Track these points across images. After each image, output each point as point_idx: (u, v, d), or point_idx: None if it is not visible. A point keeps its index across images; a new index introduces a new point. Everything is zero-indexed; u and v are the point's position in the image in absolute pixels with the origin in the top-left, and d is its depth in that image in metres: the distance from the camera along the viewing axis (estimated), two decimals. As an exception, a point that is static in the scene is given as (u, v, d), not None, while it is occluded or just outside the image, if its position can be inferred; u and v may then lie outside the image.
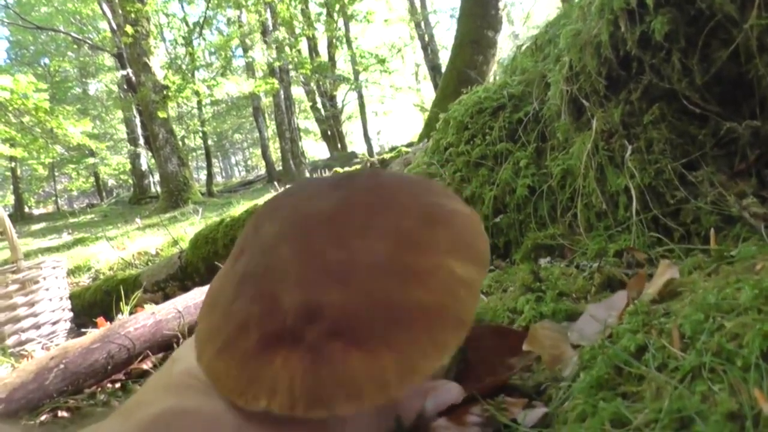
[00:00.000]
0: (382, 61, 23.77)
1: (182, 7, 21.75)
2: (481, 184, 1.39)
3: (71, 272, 7.78)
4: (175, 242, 7.64)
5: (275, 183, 21.65)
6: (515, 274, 1.16)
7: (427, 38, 26.03)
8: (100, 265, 7.64)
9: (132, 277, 4.51)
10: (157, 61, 16.94)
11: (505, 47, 10.41)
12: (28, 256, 10.84)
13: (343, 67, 27.39)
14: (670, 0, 1.10)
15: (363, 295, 0.53)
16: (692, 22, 1.10)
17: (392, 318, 0.52)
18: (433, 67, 25.36)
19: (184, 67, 16.24)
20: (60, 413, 1.91)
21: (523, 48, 1.76)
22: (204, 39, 17.19)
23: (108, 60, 27.86)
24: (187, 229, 9.34)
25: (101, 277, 7.00)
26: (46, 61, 31.12)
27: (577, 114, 1.27)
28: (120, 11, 16.42)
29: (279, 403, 0.48)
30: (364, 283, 0.54)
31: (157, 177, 23.36)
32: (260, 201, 14.20)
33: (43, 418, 1.72)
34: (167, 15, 18.14)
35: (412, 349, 0.50)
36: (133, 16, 15.18)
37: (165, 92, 15.98)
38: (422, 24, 26.07)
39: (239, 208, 12.87)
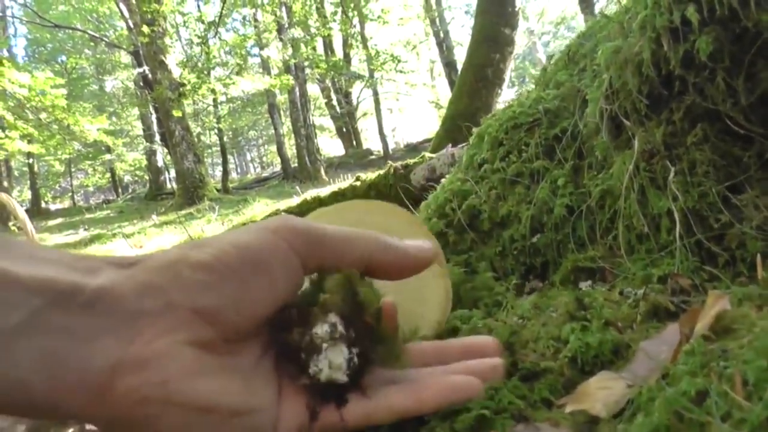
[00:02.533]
0: (397, 61, 23.74)
1: (198, 6, 21.83)
2: (517, 202, 1.38)
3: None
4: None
5: (290, 180, 21.70)
6: (555, 297, 1.15)
7: (442, 35, 26.02)
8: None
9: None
10: (173, 59, 17.00)
11: (520, 43, 10.39)
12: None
13: (358, 63, 27.40)
14: (715, 18, 1.08)
15: None
16: (737, 41, 1.08)
17: None
18: (448, 64, 25.33)
19: (200, 65, 16.27)
20: (88, 426, 1.90)
21: (555, 59, 1.74)
22: (220, 38, 17.22)
23: (124, 57, 28.00)
24: (204, 227, 9.36)
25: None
26: (63, 58, 31.31)
27: (617, 133, 1.25)
28: (137, 10, 16.49)
29: None
30: None
31: (172, 173, 23.48)
32: (276, 199, 14.23)
33: (70, 430, 1.71)
34: (183, 14, 18.15)
35: None
36: (149, 15, 15.22)
37: (181, 90, 16.03)
38: (437, 21, 26.06)
39: (255, 206, 12.91)
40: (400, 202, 3.44)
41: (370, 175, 3.74)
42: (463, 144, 3.36)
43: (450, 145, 3.63)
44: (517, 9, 10.10)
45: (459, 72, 25.39)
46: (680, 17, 1.09)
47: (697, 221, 1.08)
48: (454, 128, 9.64)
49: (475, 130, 1.64)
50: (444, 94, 29.18)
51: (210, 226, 9.52)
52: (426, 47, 31.18)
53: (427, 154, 3.52)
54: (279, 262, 0.57)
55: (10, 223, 7.79)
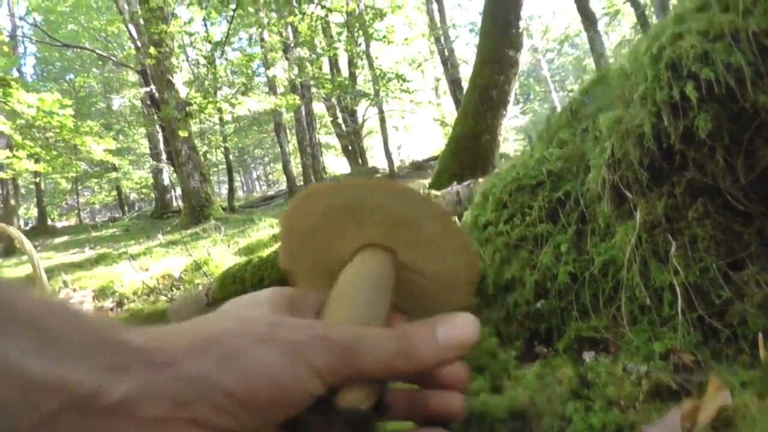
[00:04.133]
0: (402, 80, 23.79)
1: (205, 26, 21.89)
2: (521, 267, 1.39)
3: (95, 296, 7.81)
4: (198, 266, 7.67)
5: (296, 198, 21.70)
6: (559, 367, 1.16)
7: (446, 53, 26.04)
8: (124, 288, 7.66)
9: (159, 312, 4.53)
10: (180, 78, 17.08)
11: (524, 61, 10.43)
12: (51, 271, 10.92)
13: (364, 82, 27.45)
14: (714, 96, 1.10)
15: None
16: (736, 120, 1.10)
17: None
18: (453, 82, 25.35)
19: (206, 84, 16.35)
20: None
21: (558, 113, 1.76)
22: (226, 58, 17.29)
23: (132, 75, 28.13)
24: (210, 249, 9.38)
25: (125, 301, 7.04)
26: (72, 76, 31.48)
27: (619, 202, 1.27)
28: (145, 31, 16.60)
29: None
30: None
31: (178, 191, 23.51)
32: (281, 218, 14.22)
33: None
34: (190, 35, 18.26)
35: None
36: (157, 36, 15.31)
37: (188, 110, 16.09)
38: (442, 39, 26.09)
39: (261, 226, 12.93)
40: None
41: None
42: (469, 181, 3.40)
43: (455, 183, 3.64)
44: (521, 30, 10.12)
45: (464, 92, 25.50)
46: (679, 93, 1.11)
47: (699, 296, 1.09)
48: (459, 149, 9.66)
49: (479, 189, 1.66)
50: (449, 111, 29.20)
51: (216, 248, 9.53)
52: (431, 65, 31.21)
53: (433, 192, 3.53)
54: (302, 393, 0.54)
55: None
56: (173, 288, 7.05)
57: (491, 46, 9.97)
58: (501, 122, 9.81)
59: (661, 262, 1.17)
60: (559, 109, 1.81)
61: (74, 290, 8.52)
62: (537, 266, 1.36)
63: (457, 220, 2.65)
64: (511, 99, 10.12)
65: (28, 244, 3.20)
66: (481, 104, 9.73)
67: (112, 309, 6.99)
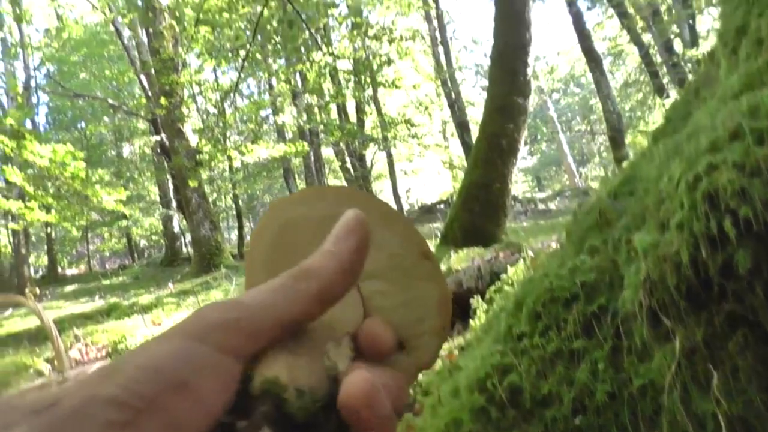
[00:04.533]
0: (411, 125, 23.97)
1: (215, 74, 22.17)
2: (558, 382, 1.40)
3: (109, 354, 7.82)
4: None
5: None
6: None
7: (453, 95, 26.20)
8: (138, 344, 7.63)
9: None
10: (190, 127, 17.23)
11: (531, 102, 10.47)
12: (62, 322, 10.92)
13: (371, 125, 27.61)
14: (752, 233, 1.11)
15: None
16: (775, 253, 1.11)
17: None
18: (461, 124, 25.48)
19: (216, 132, 16.48)
20: None
21: (586, 211, 1.77)
22: (236, 107, 17.46)
23: (142, 124, 28.37)
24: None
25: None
26: (83, 125, 31.77)
27: (656, 323, 1.27)
28: (156, 81, 16.80)
29: None
30: None
31: (188, 238, 23.58)
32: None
33: None
34: (200, 84, 18.46)
35: None
36: (168, 87, 15.47)
37: (198, 159, 16.20)
38: (448, 81, 26.27)
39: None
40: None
41: None
42: (490, 256, 3.42)
43: (473, 260, 3.65)
44: (528, 78, 10.19)
45: (471, 134, 25.57)
46: (717, 227, 1.13)
47: (744, 429, 1.10)
48: (470, 199, 9.69)
49: (513, 295, 1.67)
50: (457, 154, 29.32)
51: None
52: (438, 108, 31.38)
53: (454, 267, 3.54)
54: (201, 375, 0.47)
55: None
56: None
57: (499, 95, 10.04)
58: (512, 170, 9.84)
59: (702, 390, 1.17)
60: (583, 204, 1.82)
61: (86, 345, 8.53)
62: (574, 382, 1.36)
63: (479, 298, 2.66)
64: (521, 147, 10.17)
65: (46, 317, 3.22)
66: (491, 153, 9.77)
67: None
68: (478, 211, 9.51)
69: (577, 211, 1.85)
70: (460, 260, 8.41)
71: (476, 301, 2.63)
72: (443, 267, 7.67)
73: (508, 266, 2.82)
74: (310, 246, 0.58)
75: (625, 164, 2.10)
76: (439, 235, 11.46)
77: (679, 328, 1.21)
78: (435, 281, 0.60)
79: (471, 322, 2.48)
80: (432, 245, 10.45)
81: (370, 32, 16.00)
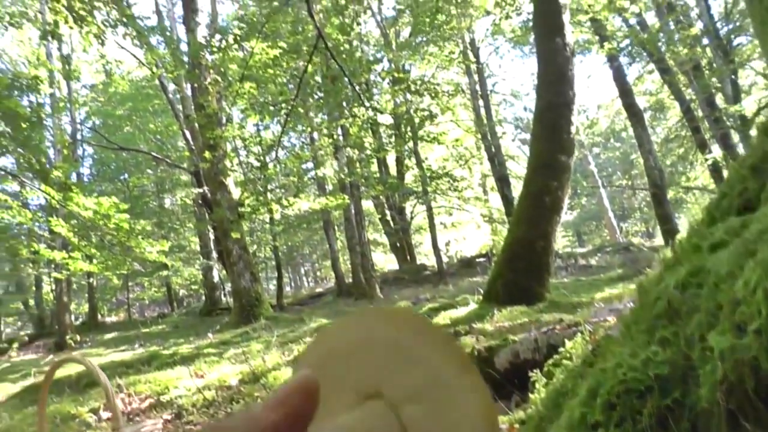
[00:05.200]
0: (452, 179, 24.07)
1: (257, 128, 22.50)
2: (637, 478, 1.39)
3: (153, 406, 7.81)
4: (256, 378, 7.67)
5: (345, 296, 21.84)
6: None
7: (493, 149, 26.27)
8: (181, 399, 7.63)
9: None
10: (232, 180, 17.45)
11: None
12: (103, 369, 10.96)
13: (412, 177, 27.71)
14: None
15: None
16: None
17: None
18: (501, 179, 25.53)
19: (258, 185, 16.65)
20: None
21: (652, 298, 1.76)
22: (278, 161, 17.65)
23: (184, 175, 28.76)
24: (264, 356, 9.38)
25: (184, 413, 7.02)
26: (126, 176, 32.28)
27: (734, 424, 1.26)
28: (199, 135, 17.10)
29: None
30: None
31: (228, 288, 23.72)
32: (331, 318, 14.28)
33: None
34: (243, 139, 18.74)
35: None
36: (212, 141, 15.71)
37: (240, 211, 16.37)
38: (488, 135, 26.34)
39: (311, 326, 12.94)
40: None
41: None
42: (546, 328, 3.42)
43: (533, 327, 3.64)
44: (572, 135, 10.18)
45: (511, 188, 25.55)
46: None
47: None
48: (514, 256, 9.66)
49: (581, 383, 1.66)
50: (497, 207, 29.29)
51: (270, 356, 9.51)
52: (478, 161, 31.44)
53: (511, 337, 3.53)
54: None
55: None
56: (232, 401, 7.03)
57: (543, 152, 10.05)
58: (555, 228, 9.80)
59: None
60: (649, 291, 1.81)
61: (129, 395, 8.55)
62: (654, 481, 1.35)
63: (538, 373, 2.65)
64: (565, 205, 10.14)
65: (103, 376, 3.24)
66: (534, 210, 9.76)
67: (170, 420, 7.00)
68: (522, 269, 9.47)
69: (644, 296, 1.85)
70: (504, 319, 8.37)
71: (535, 375, 2.62)
72: (487, 326, 7.64)
73: (566, 340, 2.80)
74: (345, 373, 0.59)
75: (684, 241, 2.10)
76: (480, 291, 11.43)
77: (758, 430, 1.20)
78: (477, 392, 0.57)
79: (530, 395, 2.47)
80: (474, 302, 10.42)
81: (412, 87, 16.11)
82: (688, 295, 1.62)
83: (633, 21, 20.71)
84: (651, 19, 23.02)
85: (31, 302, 30.21)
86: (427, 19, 20.04)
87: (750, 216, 1.78)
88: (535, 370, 2.69)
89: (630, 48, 22.85)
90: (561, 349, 2.72)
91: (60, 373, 12.78)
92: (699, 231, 2.07)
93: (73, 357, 3.96)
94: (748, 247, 1.46)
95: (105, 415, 7.31)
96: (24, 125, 12.68)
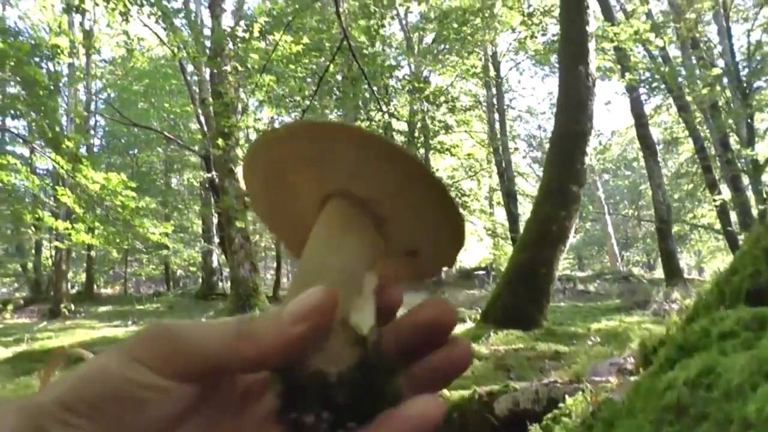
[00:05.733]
0: (461, 194, 24.11)
1: (272, 121, 22.45)
2: None
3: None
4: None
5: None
6: None
7: (504, 164, 26.27)
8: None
9: None
10: (242, 169, 17.46)
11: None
12: (94, 344, 11.02)
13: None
14: None
15: None
16: None
17: None
18: (508, 194, 25.54)
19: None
20: None
21: (662, 389, 1.80)
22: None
23: (194, 157, 28.76)
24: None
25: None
26: (136, 151, 32.31)
27: None
28: (214, 123, 17.14)
29: None
30: None
31: (226, 273, 23.74)
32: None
33: None
34: (258, 131, 18.75)
35: None
36: (226, 129, 15.73)
37: (246, 201, 16.39)
38: (500, 149, 26.33)
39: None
40: None
41: (452, 394, 3.78)
42: (548, 381, 3.45)
43: (535, 379, 3.68)
44: (585, 166, 10.21)
45: (518, 204, 25.54)
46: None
47: None
48: (515, 280, 9.70)
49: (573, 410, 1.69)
50: (501, 222, 29.28)
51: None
52: (487, 174, 31.42)
53: (512, 384, 3.57)
54: (143, 391, 0.52)
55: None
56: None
57: (555, 180, 10.06)
58: (559, 257, 9.85)
59: None
60: (654, 374, 1.85)
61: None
62: None
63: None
64: (571, 234, 10.16)
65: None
66: (540, 237, 9.78)
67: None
68: (522, 293, 9.50)
69: (650, 383, 1.88)
70: (500, 342, 8.41)
71: (534, 429, 2.67)
72: (483, 349, 7.68)
73: (566, 395, 2.84)
74: (298, 189, 0.62)
75: (694, 320, 2.13)
76: (478, 308, 11.47)
77: None
78: (442, 203, 0.59)
79: (527, 448, 2.53)
80: (470, 319, 10.46)
81: (431, 98, 16.15)
82: (698, 397, 1.65)
83: (656, 53, 20.68)
84: (673, 51, 23.00)
85: (30, 266, 30.24)
86: (453, 30, 20.05)
87: (761, 310, 1.82)
88: (534, 424, 2.73)
89: (650, 80, 22.81)
90: (561, 405, 2.76)
91: (52, 343, 12.84)
92: (708, 310, 2.10)
93: (76, 351, 3.99)
94: (762, 367, 1.49)
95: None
96: (41, 92, 12.71)
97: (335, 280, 0.55)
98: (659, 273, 23.38)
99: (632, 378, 2.77)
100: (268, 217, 0.71)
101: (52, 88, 13.55)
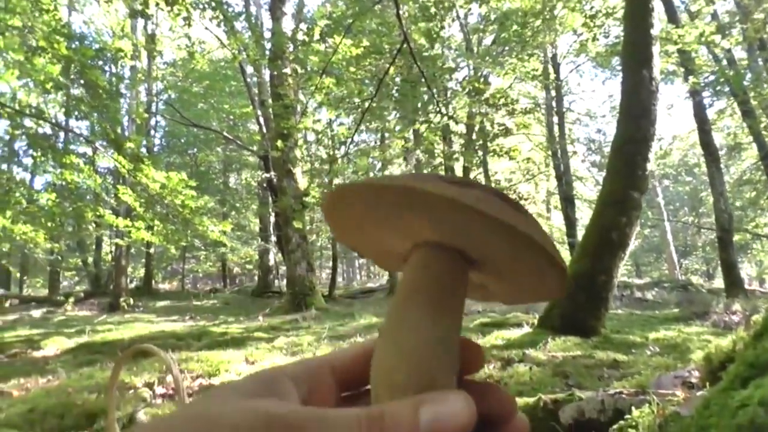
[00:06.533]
0: (519, 198, 23.91)
1: (330, 123, 22.57)
2: None
3: (204, 387, 7.94)
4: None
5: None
6: None
7: (562, 168, 26.01)
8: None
9: None
10: (300, 169, 17.61)
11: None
12: (154, 339, 11.23)
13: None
14: None
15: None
16: None
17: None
18: (566, 198, 25.25)
19: (325, 179, 16.79)
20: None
21: (735, 406, 1.80)
22: (349, 157, 17.77)
23: (252, 157, 29.06)
24: (316, 351, 9.46)
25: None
26: (195, 150, 32.77)
27: None
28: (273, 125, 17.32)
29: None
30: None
31: (282, 271, 23.95)
32: (381, 316, 14.31)
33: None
34: (317, 132, 18.91)
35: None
36: (285, 131, 15.86)
37: (304, 202, 16.51)
38: (559, 153, 26.08)
39: (361, 323, 13.00)
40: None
41: (517, 401, 3.76)
42: (614, 391, 3.43)
43: (601, 389, 3.66)
44: (647, 173, 10.06)
45: (575, 209, 25.23)
46: None
47: None
48: (574, 288, 9.56)
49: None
50: (558, 226, 29.00)
51: (320, 350, 9.60)
52: (545, 177, 31.16)
53: (577, 393, 3.55)
54: None
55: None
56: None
57: (617, 188, 9.90)
58: (619, 265, 9.70)
59: None
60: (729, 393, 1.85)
61: (181, 372, 8.67)
62: None
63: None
64: (632, 242, 10.02)
65: (176, 370, 3.36)
66: (600, 245, 9.65)
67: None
68: (581, 301, 9.38)
69: (722, 400, 1.88)
70: (558, 348, 8.34)
71: (600, 439, 2.68)
72: (540, 354, 7.63)
73: (632, 407, 2.82)
74: (384, 238, 0.60)
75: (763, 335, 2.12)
76: (533, 312, 11.41)
77: None
78: (550, 270, 0.56)
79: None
80: (526, 324, 10.41)
81: (491, 100, 16.07)
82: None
83: (721, 55, 20.25)
84: (739, 53, 22.48)
85: (90, 261, 30.90)
86: (513, 32, 19.91)
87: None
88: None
89: (714, 84, 22.33)
90: (627, 416, 2.75)
91: (112, 336, 13.12)
92: None
93: (146, 347, 4.09)
94: None
95: (160, 390, 7.46)
96: (103, 95, 12.96)
97: (436, 353, 0.53)
98: (718, 282, 22.96)
99: (699, 393, 2.75)
100: (353, 247, 0.68)
101: (113, 91, 13.81)
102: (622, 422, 2.67)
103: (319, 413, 0.48)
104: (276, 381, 0.53)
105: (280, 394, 0.52)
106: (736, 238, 21.25)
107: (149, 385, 7.73)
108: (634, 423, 2.60)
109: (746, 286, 19.23)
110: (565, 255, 26.14)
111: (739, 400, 1.76)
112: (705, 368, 2.98)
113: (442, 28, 16.76)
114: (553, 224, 29.85)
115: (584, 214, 26.93)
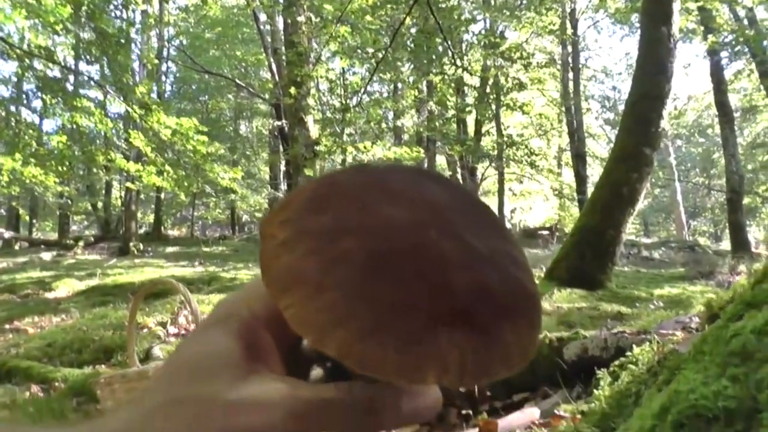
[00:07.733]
0: (531, 153, 23.83)
1: (343, 72, 22.42)
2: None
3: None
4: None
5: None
6: None
7: (575, 124, 25.88)
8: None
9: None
10: (311, 118, 17.55)
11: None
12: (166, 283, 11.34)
13: (488, 139, 27.46)
14: None
15: (509, 280, 0.57)
16: None
17: (527, 300, 0.58)
18: (578, 156, 25.16)
19: (337, 127, 16.78)
20: None
21: (728, 333, 1.85)
22: (361, 107, 17.71)
23: (263, 105, 28.98)
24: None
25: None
26: (206, 97, 32.68)
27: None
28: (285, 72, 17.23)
29: (449, 378, 0.52)
30: (507, 270, 0.58)
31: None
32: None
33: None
34: (330, 81, 18.81)
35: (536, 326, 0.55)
36: (298, 78, 15.79)
37: (315, 150, 16.49)
38: (572, 109, 25.93)
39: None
40: (551, 376, 3.57)
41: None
42: (617, 330, 3.50)
43: (604, 328, 3.73)
44: (660, 129, 10.02)
45: (587, 166, 25.12)
46: None
47: None
48: (583, 242, 9.60)
49: (649, 405, 1.75)
50: (568, 183, 28.89)
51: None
52: (557, 133, 31.00)
53: (581, 332, 3.63)
54: None
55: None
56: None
57: (629, 144, 9.88)
58: (627, 219, 9.72)
59: None
60: (723, 323, 1.90)
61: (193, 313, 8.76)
62: None
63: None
64: (641, 197, 10.03)
65: (194, 302, 3.44)
66: (610, 200, 9.65)
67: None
68: (589, 255, 9.43)
69: (722, 330, 1.93)
70: (563, 300, 8.42)
71: (602, 373, 2.75)
72: (546, 305, 7.71)
73: (634, 345, 2.89)
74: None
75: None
76: (541, 266, 11.47)
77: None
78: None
79: (594, 391, 2.60)
80: (536, 278, 10.48)
81: (506, 54, 15.96)
82: (764, 344, 1.71)
83: (742, 14, 19.92)
84: (762, 14, 22.10)
85: (100, 205, 31.03)
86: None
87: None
88: (602, 369, 2.79)
89: (733, 43, 22.02)
90: (628, 353, 2.81)
91: (123, 279, 13.24)
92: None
93: (165, 280, 4.16)
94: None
95: (172, 330, 7.59)
96: (113, 42, 12.91)
97: None
98: (726, 245, 22.93)
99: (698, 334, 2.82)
100: None
101: (123, 40, 13.74)
102: (623, 359, 2.74)
103: (318, 392, 0.51)
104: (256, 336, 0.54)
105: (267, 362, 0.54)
106: (745, 200, 21.21)
107: (162, 324, 7.87)
108: (634, 359, 2.67)
109: (753, 249, 19.21)
110: (575, 212, 26.16)
111: (733, 330, 1.81)
112: (705, 314, 3.03)
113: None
114: (564, 180, 29.72)
115: (595, 172, 26.79)
